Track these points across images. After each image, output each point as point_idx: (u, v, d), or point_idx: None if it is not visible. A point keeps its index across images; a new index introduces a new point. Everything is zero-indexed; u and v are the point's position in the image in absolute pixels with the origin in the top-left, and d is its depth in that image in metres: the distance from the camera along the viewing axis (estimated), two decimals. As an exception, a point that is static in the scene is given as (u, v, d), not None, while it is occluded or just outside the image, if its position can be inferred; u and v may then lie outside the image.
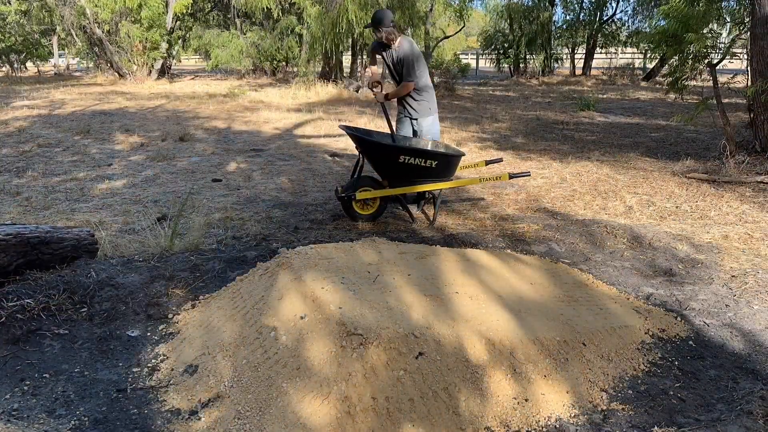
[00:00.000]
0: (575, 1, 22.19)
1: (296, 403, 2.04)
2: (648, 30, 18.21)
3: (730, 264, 3.56)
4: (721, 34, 7.04)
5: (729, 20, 7.24)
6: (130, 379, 2.32)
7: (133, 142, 7.72)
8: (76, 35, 20.33)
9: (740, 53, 7.02)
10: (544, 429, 2.05)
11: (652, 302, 3.05)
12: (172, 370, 2.36)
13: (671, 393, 2.27)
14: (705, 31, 6.18)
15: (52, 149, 7.18)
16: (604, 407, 2.17)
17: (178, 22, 19.87)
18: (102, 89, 15.78)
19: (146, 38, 17.78)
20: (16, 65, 24.15)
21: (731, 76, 6.71)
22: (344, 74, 18.00)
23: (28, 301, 2.66)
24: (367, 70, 4.59)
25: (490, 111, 11.69)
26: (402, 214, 4.54)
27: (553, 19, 21.90)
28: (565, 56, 24.57)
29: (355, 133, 4.27)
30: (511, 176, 4.08)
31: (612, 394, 2.25)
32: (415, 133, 4.67)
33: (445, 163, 4.10)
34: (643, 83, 18.95)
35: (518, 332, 2.37)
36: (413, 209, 4.52)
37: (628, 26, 23.50)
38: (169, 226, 3.97)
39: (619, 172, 6.11)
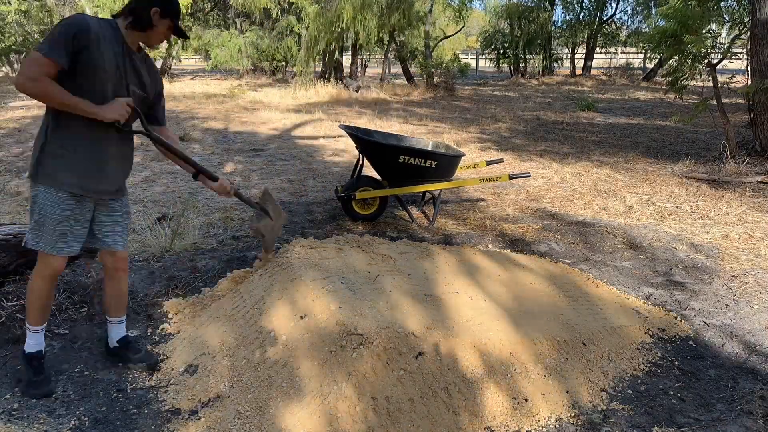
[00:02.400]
0: (575, 1, 22.17)
1: (296, 403, 2.04)
2: (648, 30, 18.21)
3: (730, 264, 3.56)
4: (720, 34, 7.04)
5: (728, 20, 7.24)
6: (130, 379, 2.32)
7: (132, 142, 7.71)
8: (76, 35, 20.29)
9: (740, 53, 7.01)
10: (544, 429, 2.05)
11: (652, 302, 3.05)
12: (172, 370, 2.36)
13: (671, 393, 2.27)
14: (704, 32, 6.18)
15: (51, 149, 7.18)
16: (604, 407, 2.17)
17: (178, 22, 19.83)
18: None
19: (146, 38, 17.76)
20: (16, 65, 24.14)
21: (731, 76, 6.71)
22: (344, 74, 18.01)
23: (28, 301, 2.66)
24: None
25: (490, 111, 11.69)
26: (402, 214, 4.54)
27: (553, 19, 21.91)
28: (564, 56, 24.56)
29: (355, 133, 4.27)
30: (511, 177, 4.08)
31: (612, 394, 2.25)
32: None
33: (446, 163, 4.10)
34: (643, 83, 18.94)
35: (518, 332, 2.37)
36: (413, 209, 4.52)
37: (628, 26, 23.51)
38: (170, 226, 3.97)
39: (619, 172, 6.11)
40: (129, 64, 2.10)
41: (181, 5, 2.21)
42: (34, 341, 2.24)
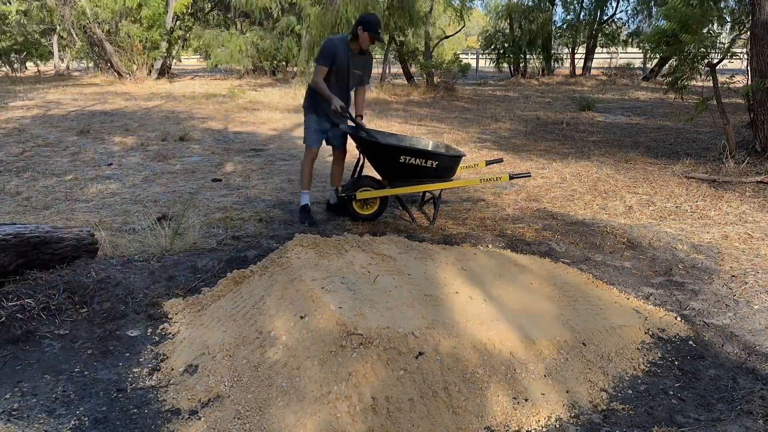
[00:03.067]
0: (575, 1, 22.16)
1: (296, 403, 2.04)
2: (648, 30, 18.20)
3: (730, 264, 3.56)
4: (720, 34, 7.03)
5: (729, 20, 7.23)
6: (130, 379, 2.32)
7: (132, 142, 7.72)
8: (76, 35, 20.33)
9: (740, 53, 7.00)
10: (544, 429, 2.05)
11: (652, 302, 3.05)
12: (172, 370, 2.36)
13: (671, 393, 2.27)
14: (704, 31, 6.17)
15: (51, 149, 7.18)
16: (604, 407, 2.17)
17: (178, 22, 19.87)
18: (100, 89, 15.77)
19: (146, 38, 17.79)
20: (16, 65, 24.15)
21: (731, 76, 6.72)
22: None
23: (28, 301, 2.66)
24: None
25: (490, 111, 11.69)
26: (402, 214, 4.54)
27: (553, 19, 21.89)
28: (565, 56, 24.53)
29: (356, 133, 4.27)
30: (511, 177, 4.08)
31: (612, 394, 2.25)
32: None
33: (446, 163, 4.10)
34: (643, 83, 18.94)
35: (518, 332, 2.37)
36: (413, 209, 4.52)
37: (629, 26, 23.50)
38: (170, 225, 3.97)
39: (619, 172, 6.11)
40: (351, 58, 4.11)
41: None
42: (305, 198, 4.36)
